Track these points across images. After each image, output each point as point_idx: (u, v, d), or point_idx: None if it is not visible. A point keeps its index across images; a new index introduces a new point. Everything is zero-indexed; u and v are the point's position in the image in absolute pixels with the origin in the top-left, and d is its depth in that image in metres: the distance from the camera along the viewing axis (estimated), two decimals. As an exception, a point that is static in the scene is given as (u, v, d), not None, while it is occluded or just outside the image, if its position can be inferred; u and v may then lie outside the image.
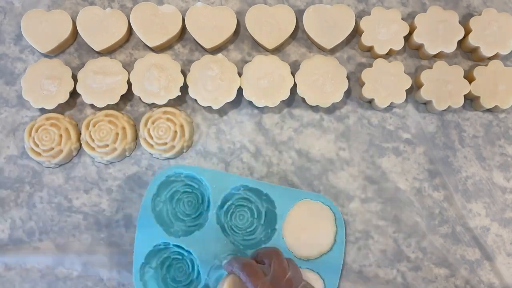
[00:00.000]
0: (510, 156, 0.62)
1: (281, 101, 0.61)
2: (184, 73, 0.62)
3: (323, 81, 0.61)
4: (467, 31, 0.62)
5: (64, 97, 0.62)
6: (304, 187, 0.62)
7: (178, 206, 0.61)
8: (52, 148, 0.61)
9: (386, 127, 0.63)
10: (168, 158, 0.63)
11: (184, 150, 0.63)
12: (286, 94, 0.61)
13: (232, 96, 0.61)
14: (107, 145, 0.61)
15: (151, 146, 0.61)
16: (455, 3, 0.65)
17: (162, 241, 0.58)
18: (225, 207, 0.60)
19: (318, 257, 0.59)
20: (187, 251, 0.59)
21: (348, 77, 0.61)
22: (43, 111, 0.63)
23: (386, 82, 0.61)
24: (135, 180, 0.63)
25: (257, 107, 0.62)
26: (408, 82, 0.61)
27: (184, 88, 0.61)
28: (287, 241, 0.59)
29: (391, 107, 0.63)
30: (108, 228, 0.62)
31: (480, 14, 0.62)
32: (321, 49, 0.64)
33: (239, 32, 0.65)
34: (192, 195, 0.61)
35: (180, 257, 0.60)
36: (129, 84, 0.61)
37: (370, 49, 0.63)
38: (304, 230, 0.60)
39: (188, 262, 0.60)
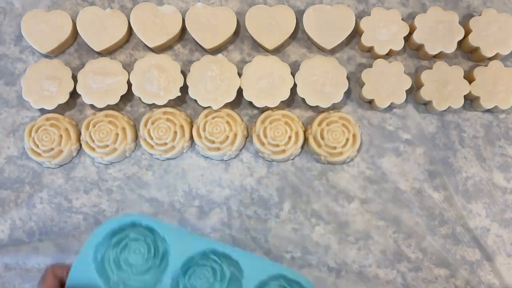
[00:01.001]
0: (510, 156, 0.62)
1: (281, 101, 0.61)
2: (184, 73, 0.62)
3: (323, 81, 0.61)
4: (467, 32, 0.62)
5: (64, 98, 0.62)
6: (304, 187, 0.62)
7: (123, 253, 0.49)
8: (52, 149, 0.61)
9: (386, 128, 0.63)
10: (168, 159, 0.63)
11: (184, 151, 0.63)
12: (286, 95, 0.61)
13: (232, 96, 0.61)
14: (107, 146, 0.61)
15: (151, 146, 0.61)
16: (455, 4, 0.65)
17: None
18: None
19: None
20: None
21: (348, 78, 0.61)
22: (43, 111, 0.63)
23: (386, 83, 0.61)
24: (135, 181, 0.63)
25: (257, 107, 0.62)
26: (408, 83, 0.61)
27: (184, 89, 0.61)
28: None
29: (391, 107, 0.63)
30: (108, 228, 0.62)
31: (480, 15, 0.62)
32: (321, 50, 0.64)
33: (239, 32, 0.65)
34: (142, 244, 0.49)
35: None
36: (129, 84, 0.61)
37: (370, 49, 0.63)
38: None
39: None
